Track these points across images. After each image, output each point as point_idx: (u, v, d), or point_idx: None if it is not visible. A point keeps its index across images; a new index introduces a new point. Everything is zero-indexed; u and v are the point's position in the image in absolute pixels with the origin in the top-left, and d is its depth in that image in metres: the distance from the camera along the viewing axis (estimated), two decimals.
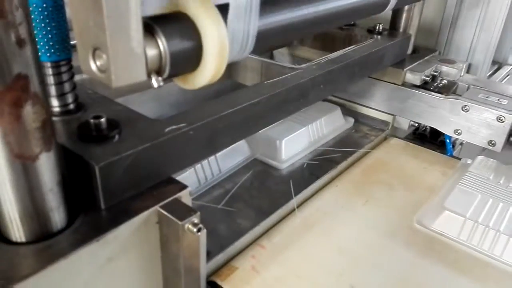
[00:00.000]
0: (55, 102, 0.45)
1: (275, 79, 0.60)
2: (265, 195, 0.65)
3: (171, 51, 0.33)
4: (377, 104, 0.88)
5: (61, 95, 0.45)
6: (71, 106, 0.46)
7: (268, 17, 0.42)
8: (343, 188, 0.72)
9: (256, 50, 0.40)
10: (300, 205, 0.66)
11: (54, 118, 0.45)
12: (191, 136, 0.46)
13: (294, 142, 0.75)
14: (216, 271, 0.55)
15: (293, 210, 0.65)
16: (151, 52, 0.32)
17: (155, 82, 0.33)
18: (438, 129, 0.81)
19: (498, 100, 0.76)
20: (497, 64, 1.43)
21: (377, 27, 0.85)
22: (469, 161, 0.78)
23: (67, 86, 0.45)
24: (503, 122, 0.72)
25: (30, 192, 0.34)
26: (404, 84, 0.83)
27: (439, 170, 0.78)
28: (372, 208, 0.68)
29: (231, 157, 0.70)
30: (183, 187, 0.44)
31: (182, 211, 0.40)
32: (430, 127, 0.90)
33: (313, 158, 0.76)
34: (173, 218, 0.39)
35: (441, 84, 0.85)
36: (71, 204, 0.39)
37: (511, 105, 0.74)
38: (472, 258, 0.61)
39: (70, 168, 0.40)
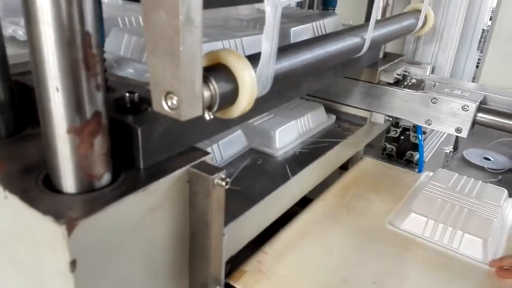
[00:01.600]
0: None
1: None
2: (265, 176, 0.72)
3: (219, 93, 0.43)
4: (355, 102, 0.97)
5: None
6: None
7: (280, 63, 0.53)
8: (329, 202, 0.85)
9: (273, 87, 0.51)
10: (294, 216, 0.79)
11: None
12: None
13: (286, 133, 0.83)
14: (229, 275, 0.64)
15: (290, 220, 0.76)
16: (206, 94, 0.42)
17: (207, 115, 0.43)
18: (411, 120, 0.91)
19: (462, 92, 0.87)
20: None
21: None
22: (431, 174, 0.95)
23: None
24: (468, 110, 0.83)
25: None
26: (379, 82, 0.93)
27: (406, 184, 0.92)
28: (354, 217, 0.81)
29: (230, 146, 0.77)
30: (206, 153, 0.50)
31: (210, 169, 0.47)
32: (396, 148, 1.09)
33: (304, 147, 0.84)
34: (204, 174, 0.46)
35: (410, 83, 0.96)
36: (115, 165, 0.44)
37: (473, 96, 0.85)
38: (435, 251, 0.74)
39: (112, 135, 0.46)
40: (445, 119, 0.86)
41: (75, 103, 0.38)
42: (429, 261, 0.72)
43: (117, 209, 0.40)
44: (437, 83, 0.95)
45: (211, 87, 0.42)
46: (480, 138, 1.57)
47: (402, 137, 1.09)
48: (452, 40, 1.09)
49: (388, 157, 1.11)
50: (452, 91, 0.88)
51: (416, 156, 1.06)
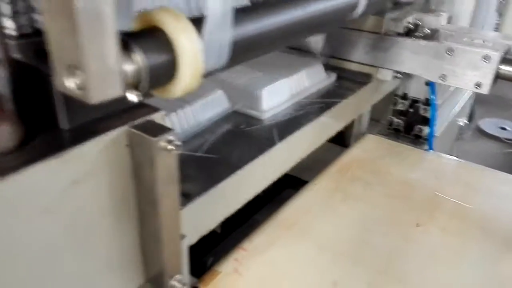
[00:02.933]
0: (9, 24, 0.40)
1: None
2: (249, 142, 0.62)
3: (148, 66, 0.33)
4: (359, 57, 0.85)
5: (15, 14, 0.40)
6: (27, 29, 0.41)
7: (242, 27, 0.42)
8: (322, 187, 0.73)
9: (232, 61, 0.41)
10: (280, 205, 0.68)
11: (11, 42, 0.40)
12: None
13: (275, 93, 0.71)
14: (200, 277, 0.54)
15: (272, 214, 0.65)
16: (128, 67, 0.32)
17: (134, 96, 0.32)
18: (423, 76, 0.79)
19: (483, 42, 0.74)
20: None
21: None
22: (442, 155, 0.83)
23: (21, 4, 0.40)
24: (489, 61, 0.70)
25: None
26: (386, 33, 0.80)
27: (411, 163, 0.80)
28: (350, 205, 0.69)
29: (208, 108, 0.66)
30: (155, 109, 0.40)
31: (155, 129, 0.36)
32: (404, 122, 0.96)
33: (297, 109, 0.72)
34: (146, 136, 0.35)
35: (423, 34, 0.83)
36: (28, 125, 0.34)
37: (496, 46, 0.72)
38: None
39: (28, 87, 0.35)
40: (463, 73, 0.73)
41: None
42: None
43: (23, 180, 0.30)
44: (454, 33, 0.82)
45: (136, 58, 0.32)
46: (496, 107, 1.45)
47: (411, 110, 0.97)
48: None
49: (395, 132, 1.00)
50: (472, 40, 0.75)
51: (426, 130, 0.94)
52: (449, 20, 0.95)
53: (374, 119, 0.98)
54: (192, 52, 0.35)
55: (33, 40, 0.41)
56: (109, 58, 0.29)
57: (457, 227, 0.66)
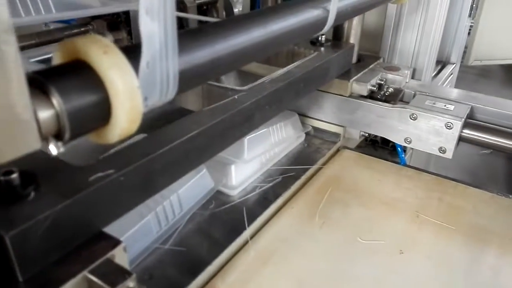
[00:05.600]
0: None
1: (215, 105, 0.56)
2: (217, 227, 0.61)
3: (70, 110, 0.28)
4: (326, 116, 0.86)
5: None
6: None
7: (191, 52, 0.38)
8: (299, 211, 0.69)
9: (182, 90, 0.35)
10: (255, 233, 0.63)
11: None
12: (122, 182, 0.41)
13: (245, 166, 0.71)
14: None
15: (247, 242, 0.61)
16: (44, 114, 0.27)
17: (53, 148, 0.28)
18: (389, 138, 0.80)
19: (445, 106, 0.75)
20: (441, 64, 1.46)
21: (320, 38, 0.83)
22: None
23: None
24: (452, 128, 0.72)
25: None
26: (351, 95, 0.82)
27: (392, 181, 0.77)
28: (329, 230, 0.65)
29: (194, 192, 0.65)
30: (116, 243, 0.39)
31: (114, 274, 0.35)
32: None
33: (266, 179, 0.73)
34: (104, 285, 0.34)
35: (388, 92, 0.84)
36: None
37: (457, 111, 0.74)
38: None
39: None
40: (427, 137, 0.75)
41: None
42: None
43: None
44: (418, 93, 0.84)
45: (54, 101, 0.28)
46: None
47: None
48: (441, 7, 0.96)
49: (373, 144, 0.94)
50: (434, 103, 0.77)
51: None
52: (413, 72, 0.98)
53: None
54: (126, 90, 0.29)
55: None
56: (16, 106, 0.25)
57: (442, 254, 0.63)
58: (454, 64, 1.45)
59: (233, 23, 0.46)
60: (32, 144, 0.26)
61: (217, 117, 0.52)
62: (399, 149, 0.83)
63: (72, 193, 0.37)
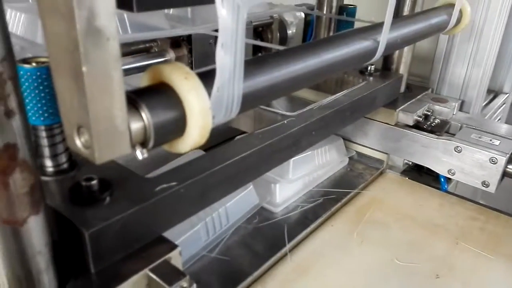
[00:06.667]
0: (48, 163, 0.46)
1: (266, 128, 0.61)
2: (260, 241, 0.66)
3: (155, 123, 0.34)
4: (371, 142, 0.88)
5: (54, 156, 0.46)
6: (65, 166, 0.47)
7: (253, 79, 0.43)
8: (338, 229, 0.72)
9: (243, 111, 0.41)
10: (294, 247, 0.67)
11: (48, 178, 0.46)
12: (182, 194, 0.46)
13: (288, 186, 0.75)
14: None
15: (286, 254, 0.65)
16: (135, 125, 0.33)
17: (139, 153, 0.34)
18: (432, 168, 0.82)
19: (491, 140, 0.76)
20: (493, 93, 1.44)
21: (369, 68, 0.86)
22: None
23: (60, 147, 0.46)
24: (496, 163, 0.73)
25: (19, 255, 0.35)
26: (397, 124, 0.84)
27: (434, 207, 0.78)
28: (367, 249, 0.68)
29: (240, 207, 0.70)
30: (173, 247, 0.44)
31: (171, 275, 0.41)
32: None
33: (308, 200, 0.76)
34: (162, 283, 0.40)
35: (434, 123, 0.86)
36: (61, 267, 0.39)
37: (503, 146, 0.74)
38: None
39: (62, 231, 0.41)
40: (470, 170, 0.76)
41: None
42: None
43: None
44: (464, 126, 0.85)
45: (144, 115, 0.33)
46: None
47: None
48: (494, 36, 0.96)
49: (418, 170, 0.92)
50: (479, 137, 0.78)
51: None
52: (462, 103, 0.98)
53: None
54: (200, 111, 0.35)
55: (69, 175, 0.47)
56: (116, 118, 0.31)
57: (478, 282, 0.63)
58: (507, 94, 1.43)
59: (290, 53, 0.50)
60: (125, 149, 0.32)
61: (267, 140, 0.57)
62: (442, 179, 0.84)
63: (141, 200, 0.43)
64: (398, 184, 0.85)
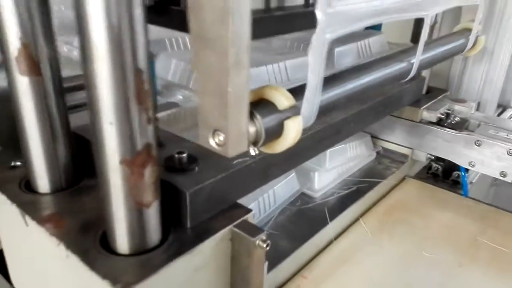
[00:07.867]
0: None
1: None
2: (304, 220, 0.74)
3: (265, 128, 0.43)
4: (397, 139, 0.97)
5: None
6: None
7: (326, 93, 0.53)
8: (370, 226, 0.82)
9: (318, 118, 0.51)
10: (335, 238, 0.76)
11: None
12: (253, 168, 0.55)
13: (325, 174, 0.84)
14: None
15: (329, 243, 0.75)
16: (251, 129, 0.43)
17: (252, 151, 0.44)
18: (454, 161, 0.90)
19: (507, 135, 0.85)
20: (501, 107, 1.53)
21: None
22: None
23: None
24: None
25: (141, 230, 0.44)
26: (421, 121, 0.93)
27: (453, 209, 0.88)
28: (396, 244, 0.78)
29: (284, 191, 0.78)
30: (248, 210, 0.53)
31: (252, 230, 0.49)
32: (442, 167, 1.01)
33: (343, 187, 0.85)
34: (246, 236, 0.48)
35: (454, 121, 0.95)
36: (164, 224, 0.48)
37: None
38: None
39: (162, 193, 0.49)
40: (489, 162, 0.84)
41: (128, 136, 0.39)
42: None
43: (167, 272, 0.43)
44: (482, 123, 0.93)
45: (257, 123, 0.43)
46: None
47: None
48: (503, 60, 1.05)
49: (434, 177, 1.03)
50: (497, 133, 0.86)
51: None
52: (477, 107, 1.07)
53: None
54: (295, 119, 0.45)
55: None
56: (242, 124, 0.40)
57: (497, 270, 0.73)
58: None
59: (347, 74, 0.60)
60: (244, 147, 0.42)
61: (316, 128, 0.66)
62: (464, 179, 0.93)
63: (225, 170, 0.51)
64: (419, 189, 0.95)
